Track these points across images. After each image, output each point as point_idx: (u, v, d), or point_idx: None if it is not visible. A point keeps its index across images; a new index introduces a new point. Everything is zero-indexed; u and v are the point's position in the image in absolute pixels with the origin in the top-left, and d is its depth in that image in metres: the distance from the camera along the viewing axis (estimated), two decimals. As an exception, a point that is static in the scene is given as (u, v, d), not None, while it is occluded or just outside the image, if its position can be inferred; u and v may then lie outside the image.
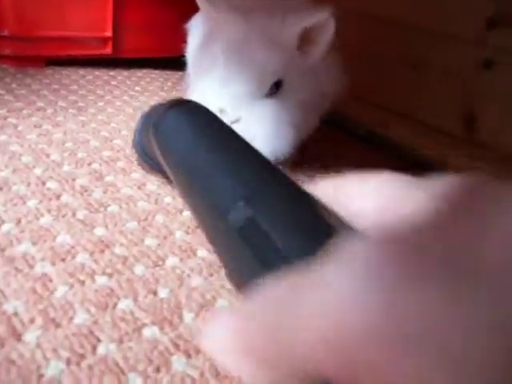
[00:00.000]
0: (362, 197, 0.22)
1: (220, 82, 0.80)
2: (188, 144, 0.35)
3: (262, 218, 0.22)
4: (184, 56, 1.20)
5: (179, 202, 0.73)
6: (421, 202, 0.19)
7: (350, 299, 0.15)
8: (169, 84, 1.33)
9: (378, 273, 0.15)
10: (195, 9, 1.20)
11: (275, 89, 0.80)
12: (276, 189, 0.24)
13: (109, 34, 1.27)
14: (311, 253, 0.18)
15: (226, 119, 0.77)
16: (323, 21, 0.78)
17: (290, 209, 0.23)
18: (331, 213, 0.22)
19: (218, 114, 0.76)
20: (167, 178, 0.69)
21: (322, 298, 0.15)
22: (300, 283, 0.17)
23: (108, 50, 1.29)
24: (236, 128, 0.80)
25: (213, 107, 0.79)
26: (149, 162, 0.69)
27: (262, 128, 0.79)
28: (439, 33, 1.14)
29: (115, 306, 0.50)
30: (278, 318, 0.17)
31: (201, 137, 0.36)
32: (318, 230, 0.21)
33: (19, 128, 0.85)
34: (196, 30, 1.14)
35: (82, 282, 0.52)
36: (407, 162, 1.14)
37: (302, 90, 0.83)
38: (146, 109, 1.03)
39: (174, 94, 1.25)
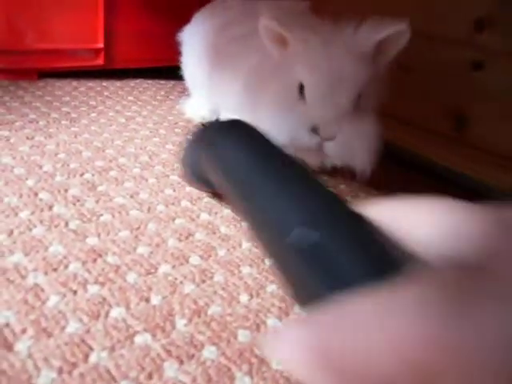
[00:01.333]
0: (426, 224, 0.22)
1: (312, 101, 0.80)
2: (249, 164, 0.36)
3: (327, 243, 0.23)
4: (177, 66, 1.22)
5: (172, 210, 0.73)
6: (485, 228, 0.20)
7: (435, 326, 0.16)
8: (162, 93, 1.34)
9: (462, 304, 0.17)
10: (186, 19, 1.21)
11: (357, 101, 0.82)
12: (338, 215, 0.25)
13: (100, 45, 1.28)
14: (377, 279, 0.20)
15: (316, 138, 0.79)
16: (400, 31, 0.80)
17: (354, 236, 0.23)
18: (394, 240, 0.22)
19: (308, 133, 0.78)
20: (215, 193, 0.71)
21: (402, 324, 0.17)
22: (380, 305, 0.18)
23: (100, 62, 1.29)
24: (330, 145, 0.79)
25: (302, 126, 0.80)
26: (196, 179, 0.69)
27: (362, 142, 0.80)
28: (429, 34, 1.15)
29: (107, 314, 0.50)
30: (355, 336, 0.18)
31: (262, 157, 0.37)
32: (382, 256, 0.21)
33: (11, 140, 0.86)
34: (191, 41, 1.15)
35: (75, 292, 0.52)
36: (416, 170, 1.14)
37: (372, 98, 0.85)
38: (140, 118, 1.04)
39: (167, 104, 1.25)
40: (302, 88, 0.82)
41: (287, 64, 0.84)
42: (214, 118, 1.16)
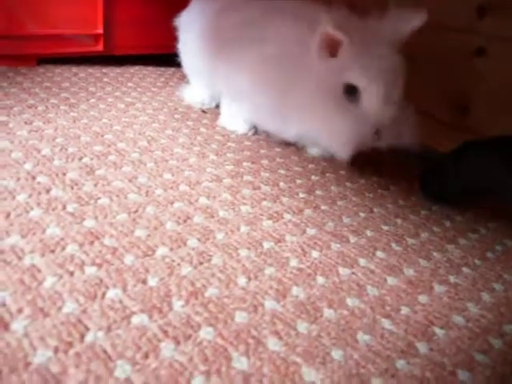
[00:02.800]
0: None
1: (373, 105, 0.83)
2: None
3: None
4: (177, 53, 1.21)
5: (170, 194, 0.73)
6: None
7: None
8: (162, 80, 1.33)
9: None
10: (185, 6, 1.20)
11: None
12: None
13: (100, 31, 1.27)
14: None
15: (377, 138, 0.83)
16: (422, 22, 0.86)
17: None
18: None
19: (372, 136, 0.82)
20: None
21: None
22: None
23: (99, 48, 1.29)
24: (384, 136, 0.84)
25: (366, 131, 0.82)
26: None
27: (409, 128, 0.85)
28: (431, 21, 1.14)
29: (104, 295, 0.50)
30: None
31: None
32: None
33: (10, 125, 0.85)
34: (190, 26, 1.14)
35: (71, 273, 0.52)
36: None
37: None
38: (139, 104, 1.03)
39: (167, 90, 1.25)
40: (350, 90, 0.83)
41: (334, 67, 0.85)
42: (213, 105, 1.16)
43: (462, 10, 1.09)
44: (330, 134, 0.85)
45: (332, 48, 0.84)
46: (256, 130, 1.06)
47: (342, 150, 0.85)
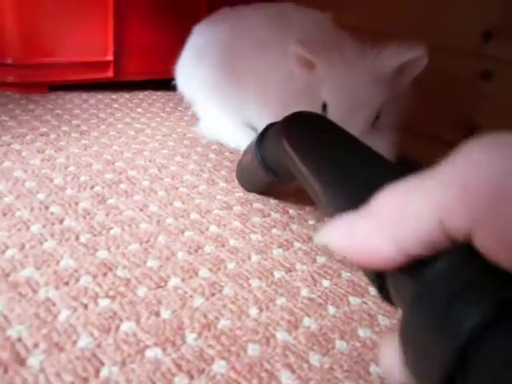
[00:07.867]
0: None
1: (333, 120, 0.85)
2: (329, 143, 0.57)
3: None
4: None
5: (181, 222, 0.74)
6: None
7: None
8: (170, 105, 1.35)
9: None
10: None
11: (374, 120, 0.86)
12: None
13: (110, 57, 1.30)
14: None
15: None
16: (418, 57, 0.84)
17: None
18: None
19: None
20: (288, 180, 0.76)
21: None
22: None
23: (110, 74, 1.31)
24: None
25: None
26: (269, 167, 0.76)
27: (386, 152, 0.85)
28: (437, 45, 1.16)
29: (118, 328, 0.51)
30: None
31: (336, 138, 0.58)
32: None
33: (23, 154, 0.87)
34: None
35: (85, 306, 0.53)
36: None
37: (391, 116, 0.88)
38: (149, 130, 1.05)
39: (176, 115, 1.26)
40: (325, 107, 0.86)
41: (313, 85, 0.88)
42: (248, 133, 1.12)
43: (468, 33, 1.11)
44: None
45: (308, 66, 0.87)
46: None
47: None
